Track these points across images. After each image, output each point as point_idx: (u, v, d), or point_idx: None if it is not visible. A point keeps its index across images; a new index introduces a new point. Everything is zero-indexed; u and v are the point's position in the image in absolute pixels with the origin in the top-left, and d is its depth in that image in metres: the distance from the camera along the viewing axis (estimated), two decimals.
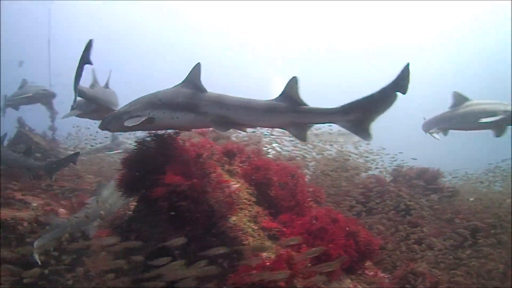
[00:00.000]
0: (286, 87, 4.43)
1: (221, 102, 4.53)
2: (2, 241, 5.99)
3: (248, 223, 4.58)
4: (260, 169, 5.32)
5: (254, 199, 5.05)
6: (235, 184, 5.04)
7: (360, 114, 4.28)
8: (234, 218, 4.50)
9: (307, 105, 4.41)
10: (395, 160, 10.49)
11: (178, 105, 4.64)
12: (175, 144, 4.98)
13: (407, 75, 4.18)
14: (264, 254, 4.23)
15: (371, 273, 5.10)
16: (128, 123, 4.70)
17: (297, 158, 9.08)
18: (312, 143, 9.62)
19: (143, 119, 4.65)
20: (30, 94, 11.52)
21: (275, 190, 5.24)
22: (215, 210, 4.39)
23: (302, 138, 4.53)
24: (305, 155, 9.39)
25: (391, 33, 55.58)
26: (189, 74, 4.83)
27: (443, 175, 10.10)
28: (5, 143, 10.07)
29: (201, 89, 4.72)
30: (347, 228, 4.87)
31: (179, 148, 4.96)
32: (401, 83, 4.16)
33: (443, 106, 9.85)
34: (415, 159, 10.83)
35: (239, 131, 6.65)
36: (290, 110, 4.36)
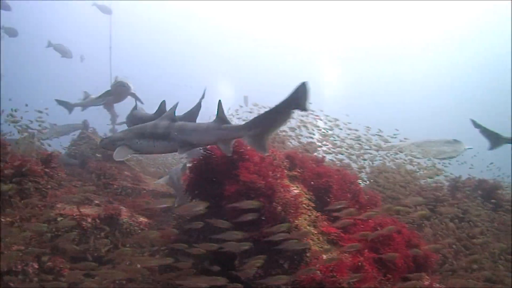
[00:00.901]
0: (217, 109, 5.11)
1: (182, 129, 5.47)
2: (66, 236, 6.26)
3: (308, 227, 4.65)
4: (321, 176, 5.35)
5: (312, 204, 5.11)
6: (295, 189, 5.10)
7: (258, 130, 4.79)
8: (296, 221, 4.55)
9: (230, 124, 5.09)
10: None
11: (158, 135, 5.62)
12: (240, 149, 5.14)
13: (304, 93, 4.45)
14: (324, 257, 4.28)
15: (426, 283, 5.03)
16: (115, 157, 5.58)
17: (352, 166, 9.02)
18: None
19: (130, 153, 5.75)
20: (109, 89, 11.65)
21: (335, 196, 5.26)
22: (282, 212, 4.45)
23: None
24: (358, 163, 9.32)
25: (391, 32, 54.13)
26: (169, 109, 5.96)
27: (502, 186, 9.69)
28: (68, 143, 10.71)
29: (174, 120, 5.73)
30: (410, 240, 4.84)
31: (246, 152, 5.11)
32: (296, 101, 4.52)
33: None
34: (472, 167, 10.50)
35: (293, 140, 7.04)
36: (216, 128, 5.10)
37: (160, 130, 5.68)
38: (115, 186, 8.86)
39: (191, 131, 5.43)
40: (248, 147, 5.16)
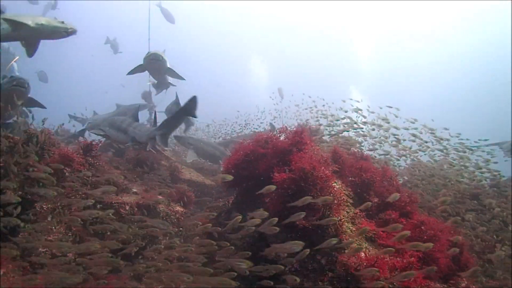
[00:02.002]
0: (154, 118, 8.44)
1: (134, 128, 7.84)
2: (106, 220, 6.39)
3: (346, 224, 4.55)
4: (363, 171, 5.23)
5: (350, 201, 5.00)
6: (336, 185, 5.01)
7: (164, 130, 7.43)
8: (336, 217, 4.45)
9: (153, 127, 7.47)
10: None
11: (121, 129, 8.14)
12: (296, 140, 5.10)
13: (194, 104, 6.85)
14: (362, 255, 4.20)
15: (463, 285, 4.87)
16: (93, 131, 8.27)
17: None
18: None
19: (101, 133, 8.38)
20: (141, 64, 10.90)
21: (376, 192, 5.13)
22: (326, 206, 4.36)
23: (165, 144, 8.04)
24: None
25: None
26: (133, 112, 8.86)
27: None
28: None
29: (136, 121, 8.33)
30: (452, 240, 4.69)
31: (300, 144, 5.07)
32: (188, 110, 7.05)
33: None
34: None
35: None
36: (148, 130, 7.41)
37: (123, 126, 8.33)
38: (152, 175, 9.00)
39: (137, 131, 8.06)
40: (304, 139, 5.15)
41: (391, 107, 10.30)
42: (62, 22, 7.66)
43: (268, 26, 56.32)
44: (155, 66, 10.89)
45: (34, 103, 7.20)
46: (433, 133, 9.60)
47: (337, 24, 52.45)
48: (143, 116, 13.62)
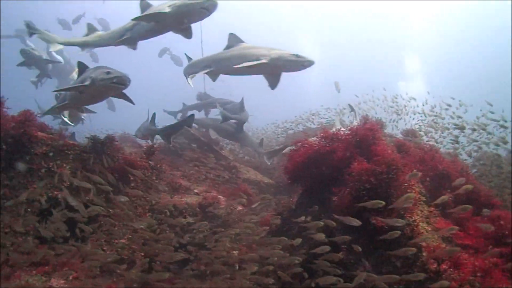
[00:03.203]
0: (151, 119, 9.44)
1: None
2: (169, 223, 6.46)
3: (421, 224, 4.27)
4: (438, 163, 4.90)
5: (423, 198, 4.69)
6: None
7: (169, 131, 8.65)
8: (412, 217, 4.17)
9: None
10: None
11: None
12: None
13: (191, 119, 9.15)
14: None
15: None
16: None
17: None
18: None
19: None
20: None
21: (450, 186, 4.79)
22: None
23: (168, 142, 8.92)
24: None
25: None
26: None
27: None
28: None
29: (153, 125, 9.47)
30: None
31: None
32: (187, 123, 9.13)
33: None
34: None
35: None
36: (151, 129, 9.24)
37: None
38: (211, 175, 9.06)
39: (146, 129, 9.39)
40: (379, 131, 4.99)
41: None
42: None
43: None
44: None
45: (124, 96, 6.75)
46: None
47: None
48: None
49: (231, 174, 9.41)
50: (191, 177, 8.72)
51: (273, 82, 7.52)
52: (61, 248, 5.00)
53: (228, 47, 7.94)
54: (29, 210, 5.43)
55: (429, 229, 4.30)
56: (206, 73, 8.16)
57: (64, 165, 5.94)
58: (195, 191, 7.87)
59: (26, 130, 5.73)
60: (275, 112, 19.12)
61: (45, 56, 12.06)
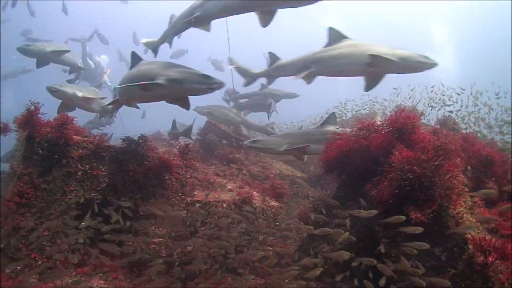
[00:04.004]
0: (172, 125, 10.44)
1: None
2: (202, 220, 6.49)
3: (465, 215, 4.11)
4: (482, 149, 4.70)
5: (466, 188, 4.51)
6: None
7: (185, 132, 9.79)
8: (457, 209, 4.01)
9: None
10: None
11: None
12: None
13: (190, 130, 9.88)
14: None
15: None
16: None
17: None
18: None
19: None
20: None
21: (496, 174, 4.60)
22: (443, 195, 3.98)
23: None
24: None
25: None
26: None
27: None
28: (196, 131, 11.26)
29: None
30: None
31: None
32: (186, 133, 9.84)
33: None
34: None
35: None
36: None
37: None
38: (244, 171, 9.07)
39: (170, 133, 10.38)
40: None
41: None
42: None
43: None
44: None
45: (184, 100, 6.24)
46: None
47: None
48: None
49: (263, 169, 9.37)
50: (224, 173, 8.75)
51: (373, 84, 6.72)
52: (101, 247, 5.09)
53: (329, 44, 7.09)
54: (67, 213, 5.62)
55: (474, 220, 4.14)
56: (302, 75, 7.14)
57: (100, 167, 6.06)
58: (228, 187, 7.89)
59: (63, 133, 5.85)
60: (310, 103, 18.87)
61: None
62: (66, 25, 24.80)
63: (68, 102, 8.05)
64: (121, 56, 21.27)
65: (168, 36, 8.11)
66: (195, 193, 6.90)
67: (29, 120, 5.84)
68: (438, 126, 7.38)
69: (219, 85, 5.23)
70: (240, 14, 6.38)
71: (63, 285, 4.70)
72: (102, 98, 8.94)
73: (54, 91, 7.71)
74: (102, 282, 4.91)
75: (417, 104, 10.66)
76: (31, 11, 20.89)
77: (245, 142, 7.79)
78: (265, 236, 6.35)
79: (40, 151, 5.83)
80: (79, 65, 12.38)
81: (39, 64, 10.94)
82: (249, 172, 8.94)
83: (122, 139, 6.37)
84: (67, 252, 5.20)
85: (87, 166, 5.98)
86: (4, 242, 5.02)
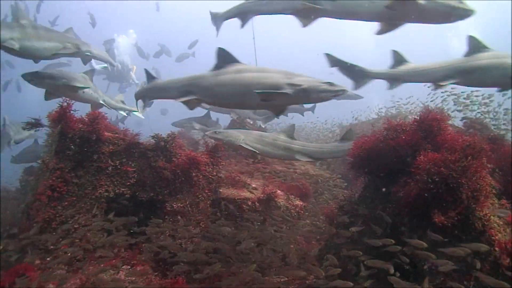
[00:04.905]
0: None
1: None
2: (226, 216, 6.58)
3: (492, 217, 4.07)
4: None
5: (494, 191, 4.46)
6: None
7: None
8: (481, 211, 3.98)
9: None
10: None
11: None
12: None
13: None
14: None
15: None
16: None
17: None
18: None
19: None
20: None
21: None
22: (470, 197, 3.96)
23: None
24: None
25: None
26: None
27: None
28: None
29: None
30: None
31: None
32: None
33: None
34: None
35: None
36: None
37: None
38: (268, 169, 9.12)
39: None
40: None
41: None
42: None
43: None
44: None
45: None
46: None
47: None
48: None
49: (287, 168, 9.41)
50: (248, 171, 8.82)
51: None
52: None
53: (469, 53, 6.36)
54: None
55: (501, 223, 4.10)
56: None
57: (130, 162, 6.24)
58: (253, 185, 7.95)
59: (96, 129, 6.03)
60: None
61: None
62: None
63: (52, 91, 7.59)
64: (140, 51, 21.30)
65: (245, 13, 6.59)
66: (221, 190, 7.01)
67: (62, 116, 6.04)
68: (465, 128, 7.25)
69: (343, 92, 5.07)
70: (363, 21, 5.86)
71: (92, 276, 4.82)
72: (86, 88, 8.09)
73: (31, 80, 7.09)
74: (129, 274, 5.03)
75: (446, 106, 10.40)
76: (93, 23, 20.89)
77: (206, 133, 8.01)
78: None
79: (72, 147, 6.01)
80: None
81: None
82: (274, 170, 8.98)
83: (152, 136, 6.52)
84: (97, 244, 5.34)
85: (117, 161, 6.17)
86: (35, 233, 5.19)
